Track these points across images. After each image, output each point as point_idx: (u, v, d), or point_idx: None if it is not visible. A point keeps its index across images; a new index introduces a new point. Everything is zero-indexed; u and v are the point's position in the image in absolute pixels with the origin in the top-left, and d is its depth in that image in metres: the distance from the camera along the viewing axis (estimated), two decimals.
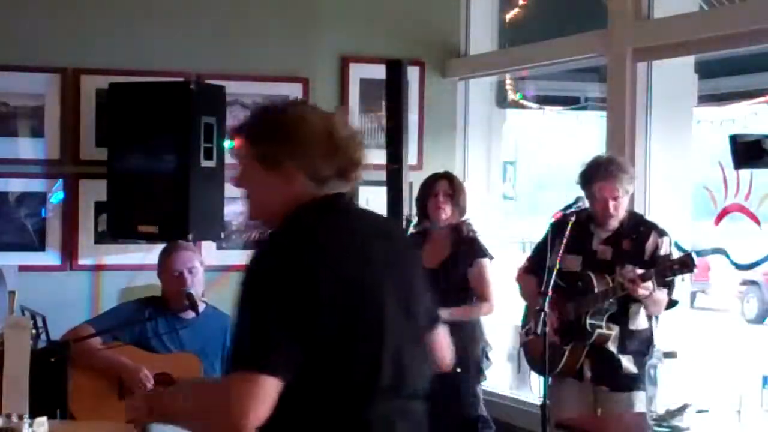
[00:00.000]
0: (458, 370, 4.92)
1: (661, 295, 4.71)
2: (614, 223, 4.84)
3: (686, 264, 4.50)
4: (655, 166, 5.59)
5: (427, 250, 5.53)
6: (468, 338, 5.50)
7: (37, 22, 6.19)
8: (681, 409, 3.99)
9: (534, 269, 5.03)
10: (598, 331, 4.74)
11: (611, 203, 4.77)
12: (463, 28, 7.02)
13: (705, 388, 5.37)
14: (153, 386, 4.71)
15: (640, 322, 4.82)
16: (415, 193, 5.85)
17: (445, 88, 6.99)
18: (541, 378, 4.67)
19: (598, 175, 4.78)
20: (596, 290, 4.71)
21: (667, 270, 4.54)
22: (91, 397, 4.75)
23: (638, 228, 4.84)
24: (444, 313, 5.38)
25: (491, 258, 5.64)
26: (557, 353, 4.76)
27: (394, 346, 2.65)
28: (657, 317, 4.88)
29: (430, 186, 5.68)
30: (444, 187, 5.62)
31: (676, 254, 4.88)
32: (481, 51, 6.97)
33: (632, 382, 4.78)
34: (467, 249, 5.57)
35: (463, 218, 5.67)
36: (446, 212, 5.59)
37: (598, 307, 4.71)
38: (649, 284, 4.59)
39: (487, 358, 5.65)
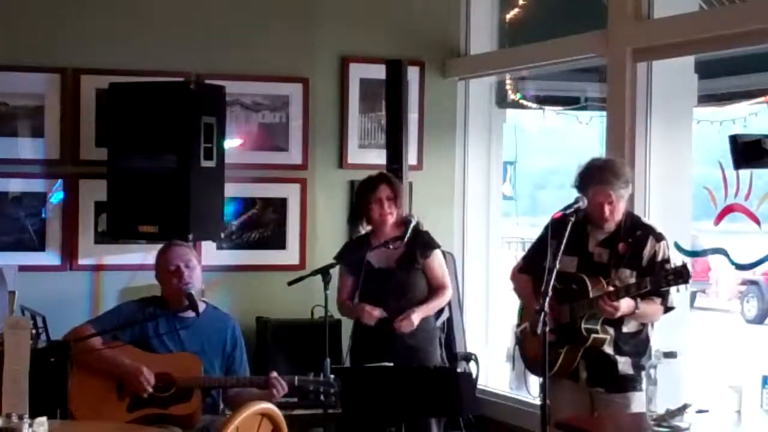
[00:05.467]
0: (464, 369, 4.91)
1: (649, 308, 4.70)
2: (611, 225, 4.83)
3: (681, 275, 4.47)
4: (655, 166, 5.59)
5: (379, 251, 5.48)
6: (424, 340, 5.50)
7: (37, 22, 6.19)
8: (681, 409, 3.98)
9: (528, 268, 5.02)
10: (594, 335, 4.73)
11: (606, 207, 4.76)
12: (463, 28, 7.02)
13: (705, 388, 5.37)
14: (154, 387, 4.71)
15: (634, 324, 4.80)
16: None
17: (445, 88, 6.98)
18: (538, 378, 4.66)
19: (591, 180, 4.77)
20: (591, 294, 4.70)
21: (662, 280, 4.52)
22: (91, 397, 4.75)
23: (635, 231, 4.82)
24: (416, 318, 5.44)
25: (440, 247, 5.66)
26: (553, 354, 4.74)
27: None
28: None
29: (370, 191, 5.48)
30: (386, 192, 5.47)
31: (675, 256, 4.87)
32: (481, 51, 6.97)
33: (628, 384, 4.77)
34: (421, 243, 5.53)
35: (407, 214, 5.61)
36: (392, 217, 5.50)
37: (593, 312, 4.70)
38: (622, 304, 4.60)
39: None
